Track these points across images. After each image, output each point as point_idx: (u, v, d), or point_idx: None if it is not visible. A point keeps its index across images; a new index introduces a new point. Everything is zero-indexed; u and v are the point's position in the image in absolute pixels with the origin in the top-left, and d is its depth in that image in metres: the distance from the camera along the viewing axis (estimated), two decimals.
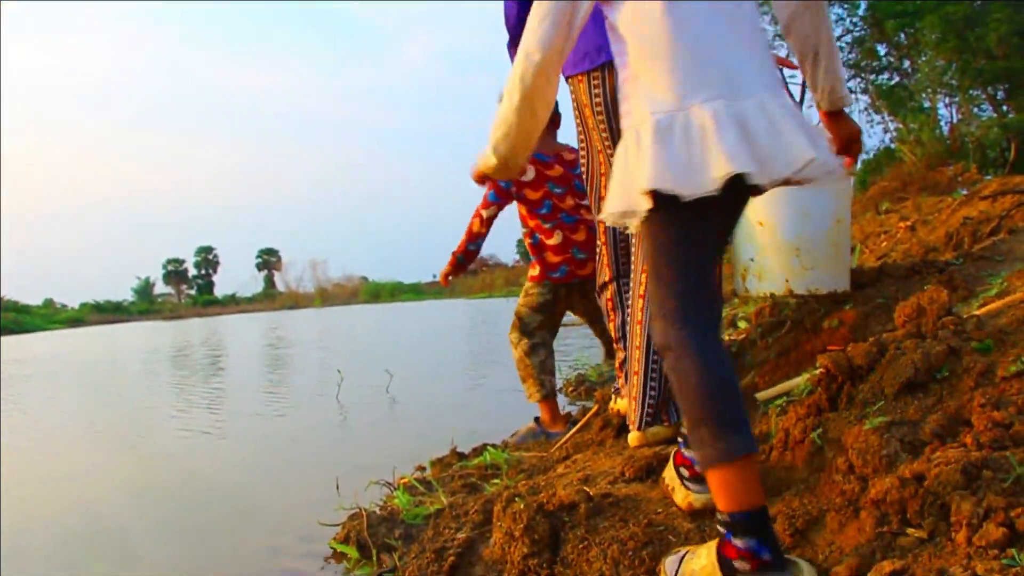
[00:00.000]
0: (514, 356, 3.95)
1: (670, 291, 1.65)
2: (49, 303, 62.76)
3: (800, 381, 2.45)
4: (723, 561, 1.61)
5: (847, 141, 1.98)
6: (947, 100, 20.03)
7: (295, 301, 59.58)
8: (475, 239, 3.89)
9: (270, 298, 66.84)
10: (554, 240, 3.77)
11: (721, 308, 1.98)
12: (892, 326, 2.59)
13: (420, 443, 4.27)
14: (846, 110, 1.94)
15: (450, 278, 4.06)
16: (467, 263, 4.00)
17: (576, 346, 9.15)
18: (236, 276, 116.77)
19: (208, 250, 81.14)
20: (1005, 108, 18.50)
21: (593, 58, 2.71)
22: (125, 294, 73.29)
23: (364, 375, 7.65)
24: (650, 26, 1.64)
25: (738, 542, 1.57)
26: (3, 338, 31.60)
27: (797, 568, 1.59)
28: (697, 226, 1.64)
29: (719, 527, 1.63)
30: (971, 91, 19.33)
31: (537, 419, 3.95)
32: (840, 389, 2.14)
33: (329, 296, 58.50)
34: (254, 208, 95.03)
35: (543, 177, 3.74)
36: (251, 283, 76.70)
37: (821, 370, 2.21)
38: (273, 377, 9.34)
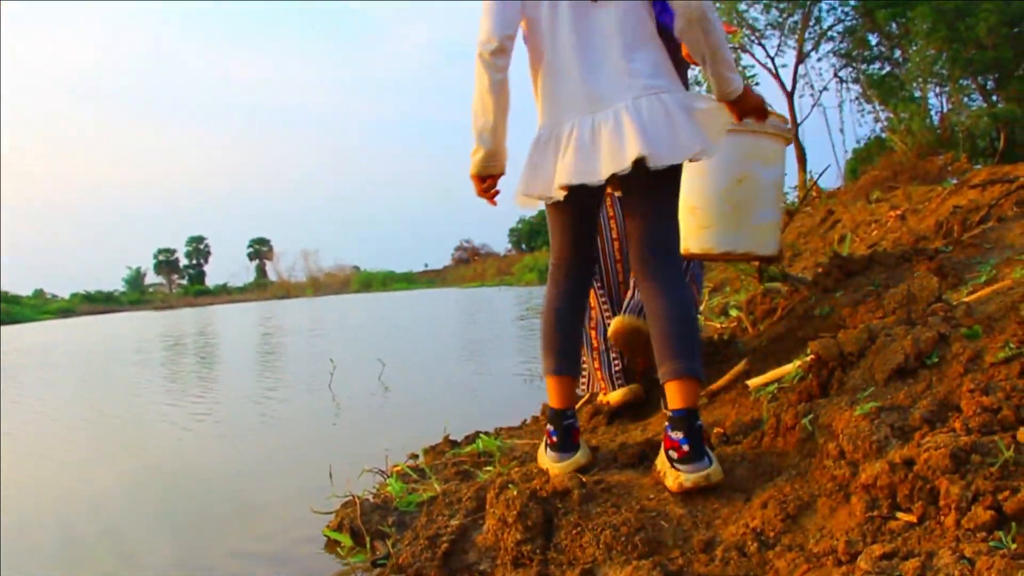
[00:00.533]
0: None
1: (557, 252, 2.52)
2: (40, 293, 62.51)
3: (791, 368, 2.47)
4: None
5: (749, 114, 2.31)
6: (937, 90, 20.08)
7: (287, 291, 59.44)
8: None
9: (261, 288, 66.67)
10: None
11: (590, 265, 2.57)
12: (883, 313, 2.61)
13: (413, 431, 4.27)
14: (745, 89, 2.24)
15: None
16: None
17: None
18: (227, 266, 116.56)
19: (199, 240, 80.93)
20: (995, 98, 18.55)
21: None
22: (116, 284, 73.15)
23: (357, 364, 7.66)
24: (540, 63, 2.39)
25: (550, 427, 2.48)
26: None
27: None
28: (567, 211, 2.42)
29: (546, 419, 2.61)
30: (961, 81, 19.38)
31: None
32: (831, 375, 2.16)
33: (321, 286, 58.40)
34: (245, 198, 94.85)
35: None
36: (242, 273, 76.64)
37: (812, 357, 2.23)
38: (265, 367, 9.33)
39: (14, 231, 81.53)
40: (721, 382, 2.88)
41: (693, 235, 2.92)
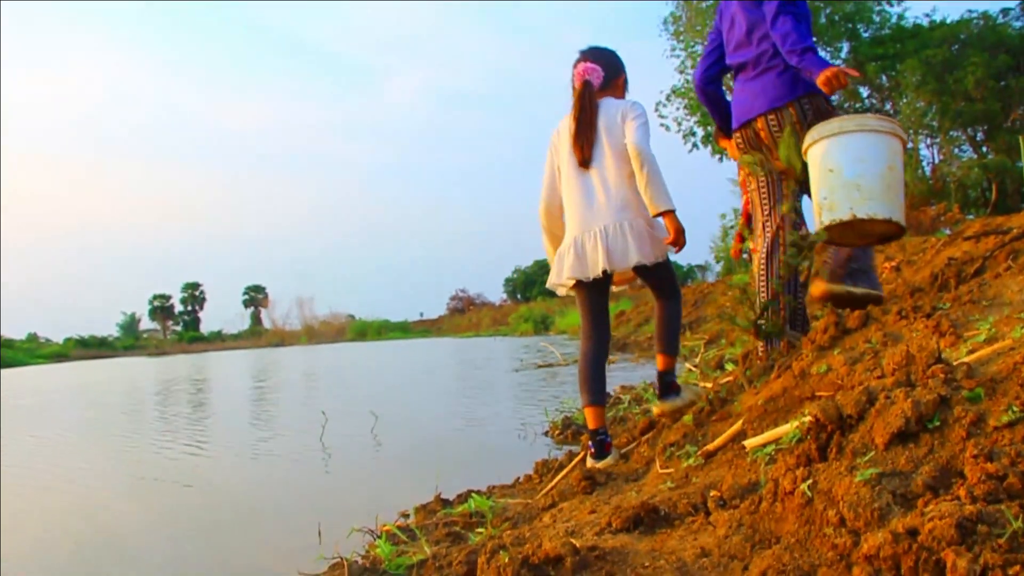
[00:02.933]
0: None
1: (582, 321, 3.77)
2: (33, 337, 62.18)
3: (789, 429, 2.42)
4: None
5: (675, 234, 3.52)
6: (928, 141, 20.27)
7: (281, 338, 59.24)
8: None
9: (256, 335, 66.48)
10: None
11: (605, 328, 3.78)
12: (880, 373, 2.56)
13: (404, 487, 4.21)
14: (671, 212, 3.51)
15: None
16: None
17: (566, 389, 9.12)
18: (223, 313, 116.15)
19: (195, 286, 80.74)
20: (984, 149, 18.71)
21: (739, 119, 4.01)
22: (110, 329, 72.76)
23: (349, 415, 7.59)
24: (562, 196, 3.77)
25: (590, 441, 3.59)
26: None
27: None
28: (583, 293, 3.71)
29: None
30: (951, 132, 19.55)
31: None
32: (830, 439, 2.11)
33: (316, 334, 58.20)
34: (241, 244, 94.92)
35: None
36: (237, 320, 76.33)
37: (810, 419, 2.18)
38: (257, 416, 9.23)
39: (8, 273, 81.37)
40: (718, 442, 2.83)
41: (859, 205, 3.47)
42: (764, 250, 3.95)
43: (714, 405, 3.26)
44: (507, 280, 65.77)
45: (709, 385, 4.29)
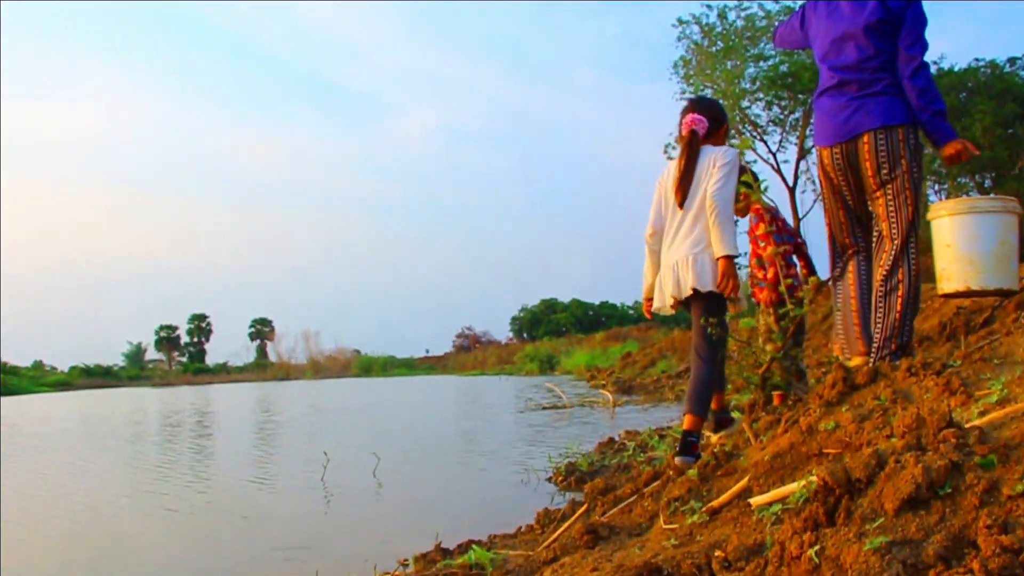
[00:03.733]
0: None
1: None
2: (38, 365, 62.06)
3: (795, 488, 2.38)
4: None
5: (721, 276, 3.80)
6: (936, 187, 20.26)
7: (287, 372, 59.11)
8: None
9: (262, 368, 66.34)
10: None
11: (704, 350, 3.96)
12: (889, 432, 2.52)
13: (404, 533, 4.16)
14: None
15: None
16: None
17: (571, 432, 9.05)
18: (228, 345, 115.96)
19: (201, 318, 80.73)
20: (992, 196, 18.63)
21: None
22: (115, 358, 72.66)
23: (352, 454, 7.52)
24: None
25: (680, 439, 3.73)
26: None
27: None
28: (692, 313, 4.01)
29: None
30: (959, 179, 19.56)
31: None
32: (838, 503, 2.06)
33: (321, 368, 58.08)
34: (248, 277, 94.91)
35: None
36: (243, 352, 76.12)
37: (818, 481, 2.13)
38: (258, 453, 9.17)
39: (14, 300, 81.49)
40: (723, 499, 2.78)
41: (972, 278, 3.88)
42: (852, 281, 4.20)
43: (719, 459, 3.20)
44: (513, 319, 65.78)
45: (715, 438, 4.25)
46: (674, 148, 22.74)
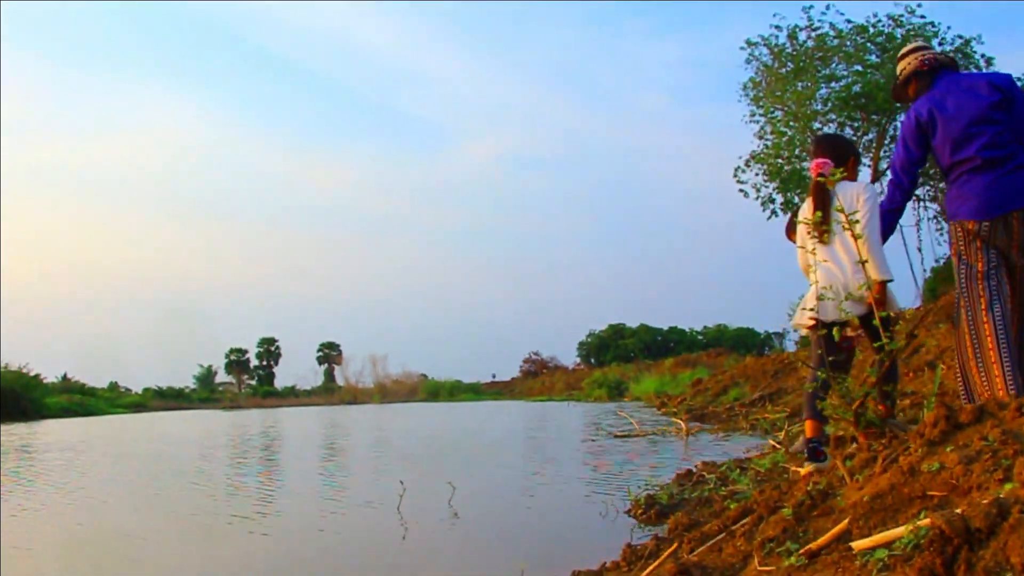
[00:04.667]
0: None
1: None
2: (114, 386, 63.45)
3: (902, 532, 2.29)
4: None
5: (871, 297, 4.28)
6: None
7: (354, 396, 59.71)
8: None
9: (329, 392, 67.09)
10: None
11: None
12: (1001, 475, 2.42)
13: (484, 564, 4.12)
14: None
15: None
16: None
17: (647, 461, 8.94)
18: (296, 368, 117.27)
19: (271, 341, 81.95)
20: None
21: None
22: (187, 381, 74.01)
23: (425, 483, 7.50)
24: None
25: (807, 446, 4.54)
26: (68, 420, 32.20)
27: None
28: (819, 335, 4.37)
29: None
30: None
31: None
32: (956, 553, 1.97)
33: (388, 392, 58.53)
34: (317, 302, 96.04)
35: None
36: (311, 376, 77.02)
37: (932, 529, 2.05)
38: (330, 479, 9.21)
39: (91, 324, 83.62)
40: (821, 541, 2.68)
41: None
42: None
43: (815, 499, 3.11)
44: (581, 344, 65.56)
45: (802, 471, 4.13)
46: (743, 171, 22.52)
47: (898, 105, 19.24)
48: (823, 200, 4.51)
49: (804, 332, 4.64)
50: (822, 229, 4.52)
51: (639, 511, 5.45)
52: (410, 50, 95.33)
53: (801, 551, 2.71)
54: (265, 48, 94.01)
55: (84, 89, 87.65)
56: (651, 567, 3.23)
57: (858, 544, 2.47)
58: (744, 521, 3.55)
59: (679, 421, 13.26)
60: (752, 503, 3.73)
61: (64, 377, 54.03)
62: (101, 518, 6.58)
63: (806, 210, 4.72)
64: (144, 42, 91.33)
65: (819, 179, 4.52)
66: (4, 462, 11.79)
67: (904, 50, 4.95)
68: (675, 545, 3.30)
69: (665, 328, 66.07)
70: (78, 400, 45.40)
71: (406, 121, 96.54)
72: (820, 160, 4.55)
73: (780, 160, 21.64)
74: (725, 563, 3.07)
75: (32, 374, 40.91)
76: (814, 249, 4.64)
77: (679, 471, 6.92)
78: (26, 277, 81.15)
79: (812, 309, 4.46)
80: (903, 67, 4.88)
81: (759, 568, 2.79)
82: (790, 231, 5.27)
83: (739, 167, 22.80)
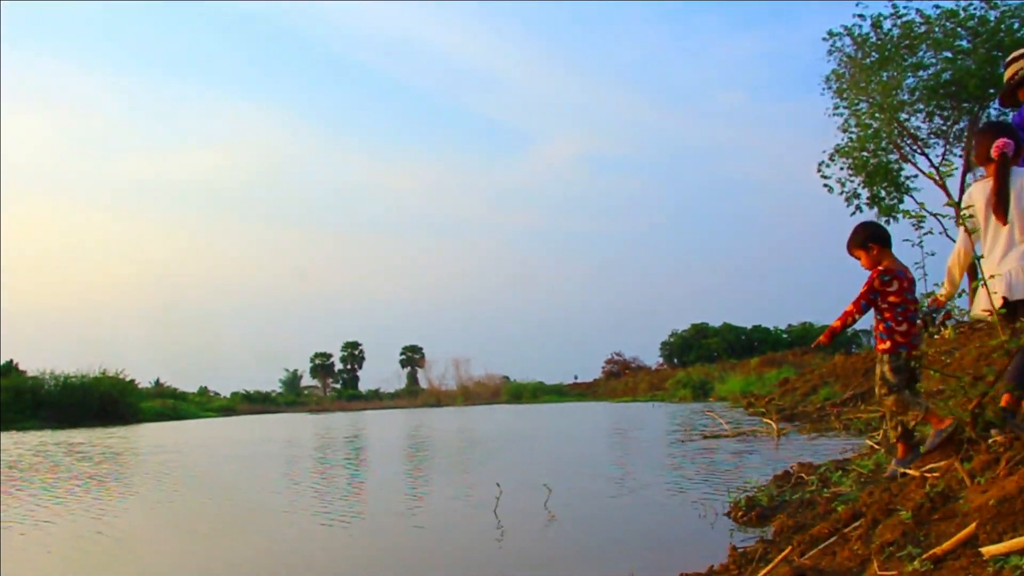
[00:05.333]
0: (888, 405, 5.06)
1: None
2: (203, 391, 65.02)
3: None
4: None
5: None
6: None
7: (437, 398, 60.15)
8: (848, 325, 5.17)
9: (412, 395, 67.73)
10: (902, 328, 5.03)
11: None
12: None
13: (584, 568, 4.09)
14: None
15: (822, 344, 5.29)
16: (836, 337, 5.27)
17: (735, 464, 8.81)
18: (380, 372, 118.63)
19: (354, 345, 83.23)
20: None
21: None
22: (273, 385, 75.54)
23: (519, 485, 7.47)
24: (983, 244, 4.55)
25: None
26: (162, 424, 33.16)
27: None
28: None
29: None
30: None
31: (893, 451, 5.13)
32: None
33: (471, 394, 58.83)
34: (399, 305, 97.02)
35: (902, 288, 5.05)
36: (394, 379, 77.94)
37: None
38: (424, 481, 9.29)
39: (180, 330, 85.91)
40: (947, 546, 2.61)
41: None
42: None
43: (934, 501, 3.02)
44: (663, 344, 65.04)
45: (915, 472, 4.03)
46: (827, 166, 22.04)
47: (991, 91, 18.65)
48: (1006, 179, 4.42)
49: (984, 316, 4.41)
50: (1003, 209, 4.37)
51: (739, 513, 5.38)
52: (481, 54, 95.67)
53: (925, 556, 2.64)
54: (344, 57, 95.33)
55: (180, 102, 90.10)
56: (764, 571, 3.17)
57: (989, 550, 2.40)
58: (856, 524, 3.48)
59: (769, 421, 13.05)
60: (862, 505, 3.65)
61: (157, 382, 55.62)
62: (233, 510, 6.76)
63: (976, 193, 4.64)
64: (231, 57, 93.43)
65: (1002, 155, 4.42)
66: (124, 463, 12.24)
67: (1015, 54, 4.88)
68: (789, 548, 3.24)
69: (749, 327, 65.21)
70: (171, 405, 46.63)
71: (482, 124, 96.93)
72: (1003, 140, 4.45)
73: (866, 153, 21.09)
74: (842, 567, 3.00)
75: (128, 379, 42.16)
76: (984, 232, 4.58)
77: (776, 472, 6.80)
78: (121, 286, 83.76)
79: (994, 292, 4.30)
80: (1015, 71, 4.80)
81: (879, 573, 2.72)
82: (854, 245, 5.22)
83: (823, 162, 22.25)
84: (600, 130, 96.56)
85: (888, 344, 5.07)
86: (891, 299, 5.05)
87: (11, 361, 41.66)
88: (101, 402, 36.81)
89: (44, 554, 5.49)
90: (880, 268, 5.07)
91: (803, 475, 6.25)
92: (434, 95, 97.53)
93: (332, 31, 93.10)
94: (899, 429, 5.01)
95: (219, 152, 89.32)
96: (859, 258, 5.22)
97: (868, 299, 5.10)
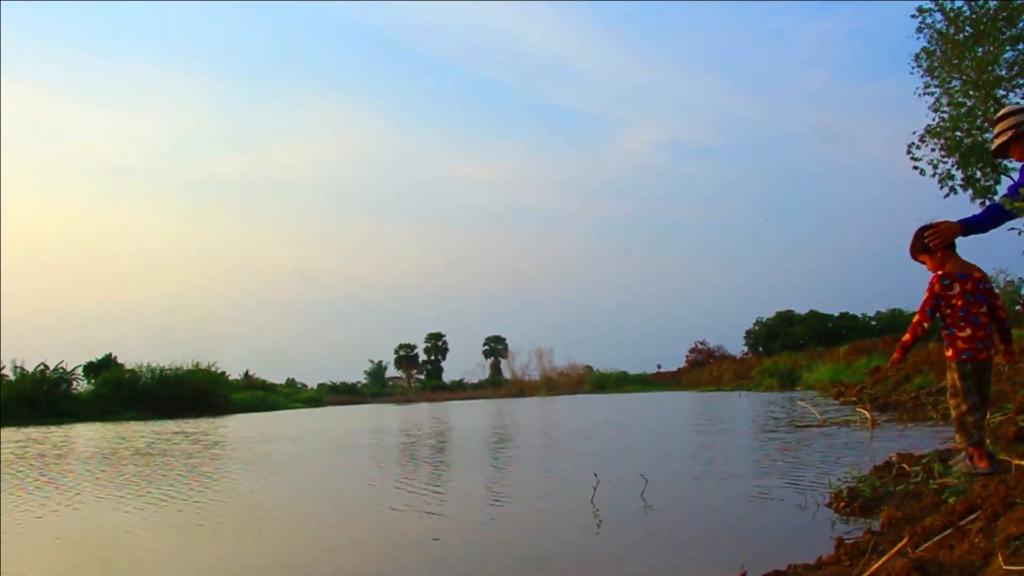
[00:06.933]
0: (953, 415, 5.00)
1: None
2: (291, 383, 66.53)
3: None
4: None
5: None
6: None
7: (521, 389, 60.49)
8: (919, 336, 5.07)
9: (496, 385, 68.24)
10: (965, 334, 4.91)
11: None
12: None
13: (684, 558, 4.09)
14: None
15: (896, 362, 5.21)
16: (908, 353, 5.16)
17: (831, 455, 8.66)
18: (463, 363, 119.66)
19: (438, 336, 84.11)
20: None
21: None
22: (358, 376, 76.84)
23: (613, 474, 7.46)
24: None
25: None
26: (253, 415, 34.00)
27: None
28: None
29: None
30: None
31: (971, 457, 4.93)
32: None
33: (554, 384, 58.98)
34: (481, 296, 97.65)
35: (964, 290, 4.94)
36: (478, 370, 78.58)
37: None
38: (520, 470, 9.33)
39: (269, 324, 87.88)
40: None
41: None
42: None
43: None
44: (748, 333, 64.04)
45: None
46: (918, 147, 21.46)
47: None
48: None
49: None
50: None
51: (841, 504, 5.30)
52: (559, 44, 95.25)
53: None
54: (422, 52, 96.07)
55: (272, 101, 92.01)
56: (877, 564, 3.12)
57: None
58: (972, 517, 3.40)
59: (863, 411, 12.78)
60: (977, 498, 3.57)
61: (246, 375, 57.01)
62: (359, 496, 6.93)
63: None
64: (318, 55, 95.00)
65: None
66: (245, 450, 12.64)
67: (1004, 111, 5.01)
68: (904, 540, 3.18)
69: (836, 314, 63.82)
70: (260, 396, 47.89)
71: (560, 114, 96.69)
72: None
73: (959, 133, 20.47)
74: (962, 561, 2.94)
75: (219, 372, 43.33)
76: None
77: (876, 463, 6.67)
78: (211, 279, 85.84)
79: None
80: (1007, 127, 4.86)
81: (1004, 567, 2.65)
82: (917, 250, 5.11)
83: (913, 143, 21.62)
84: (681, 117, 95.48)
85: (951, 351, 5.03)
86: (954, 302, 4.96)
87: (110, 354, 43.15)
88: (195, 394, 38.04)
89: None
90: (939, 272, 4.99)
91: (904, 466, 6.12)
92: (510, 87, 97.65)
93: (408, 27, 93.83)
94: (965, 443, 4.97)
95: (304, 149, 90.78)
96: (924, 262, 5.12)
97: (932, 305, 5.01)
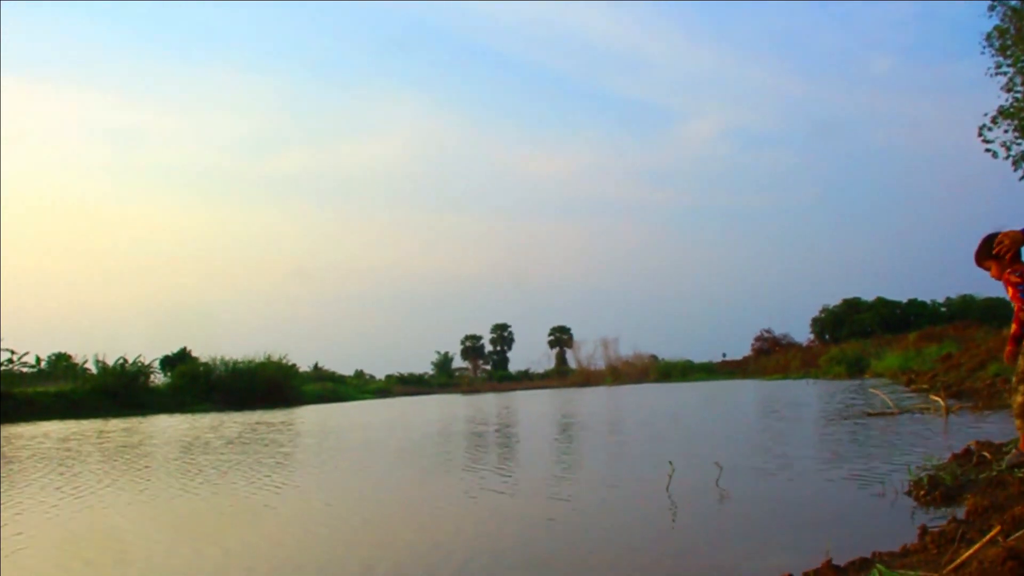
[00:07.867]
0: (1015, 401, 5.14)
1: None
2: (360, 374, 67.35)
3: None
4: None
5: None
6: None
7: (586, 378, 60.47)
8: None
9: (562, 375, 68.34)
10: None
11: None
12: None
13: (762, 545, 4.13)
14: None
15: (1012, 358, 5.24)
16: (1020, 343, 5.16)
17: (906, 443, 8.57)
18: (529, 353, 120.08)
19: (503, 327, 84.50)
20: None
21: None
22: (425, 367, 77.45)
23: (687, 462, 7.47)
24: None
25: None
26: (324, 406, 34.56)
27: None
28: None
29: None
30: None
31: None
32: None
33: (620, 374, 58.86)
34: (547, 287, 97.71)
35: None
36: (544, 360, 78.77)
37: None
38: (594, 458, 9.41)
39: (339, 317, 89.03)
40: None
41: None
42: None
43: None
44: (814, 320, 63.10)
45: None
46: (990, 129, 20.94)
47: None
48: None
49: None
50: None
51: (921, 492, 5.25)
52: (621, 34, 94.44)
53: None
54: (490, 48, 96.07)
55: (347, 99, 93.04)
56: (967, 552, 3.12)
57: None
58: None
59: (937, 399, 12.59)
60: None
61: (316, 367, 57.87)
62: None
63: None
64: (387, 54, 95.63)
65: None
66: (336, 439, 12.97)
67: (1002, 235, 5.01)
68: (996, 529, 3.19)
69: (904, 301, 62.54)
70: (330, 388, 48.59)
71: (625, 105, 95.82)
72: None
73: None
74: None
75: (290, 364, 44.04)
76: None
77: (954, 451, 6.60)
78: (283, 274, 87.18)
79: None
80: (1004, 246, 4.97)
81: None
82: (983, 257, 5.18)
83: (985, 125, 21.07)
84: (745, 104, 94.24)
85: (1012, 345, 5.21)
86: None
87: (184, 348, 44.08)
88: (267, 386, 38.71)
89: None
90: (1009, 269, 5.04)
91: (985, 454, 6.05)
92: (573, 79, 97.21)
93: (477, 26, 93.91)
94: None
95: (379, 144, 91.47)
96: (988, 269, 5.17)
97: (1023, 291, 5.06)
